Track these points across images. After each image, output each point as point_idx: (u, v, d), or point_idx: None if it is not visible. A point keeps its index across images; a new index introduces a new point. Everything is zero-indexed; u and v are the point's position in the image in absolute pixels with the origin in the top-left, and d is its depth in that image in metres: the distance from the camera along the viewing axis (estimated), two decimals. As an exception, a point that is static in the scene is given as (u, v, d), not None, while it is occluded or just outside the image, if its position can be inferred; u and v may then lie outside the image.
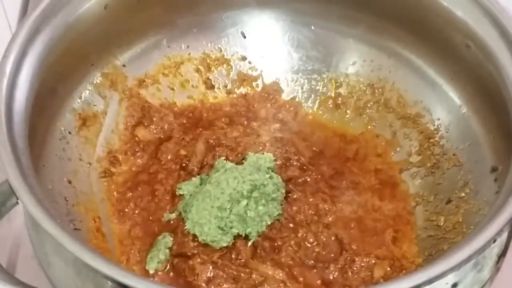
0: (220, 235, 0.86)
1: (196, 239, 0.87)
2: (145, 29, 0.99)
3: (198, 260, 0.85)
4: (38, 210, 0.65)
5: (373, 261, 0.86)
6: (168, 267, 0.87)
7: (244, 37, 1.05)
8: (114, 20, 0.92)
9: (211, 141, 0.97)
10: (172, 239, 0.89)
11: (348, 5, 0.99)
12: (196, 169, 0.95)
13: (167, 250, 0.87)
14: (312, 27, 1.04)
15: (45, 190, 0.75)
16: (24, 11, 1.14)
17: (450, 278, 0.67)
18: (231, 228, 0.86)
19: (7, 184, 0.70)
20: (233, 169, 0.89)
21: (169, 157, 0.97)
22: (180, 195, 0.92)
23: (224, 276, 0.84)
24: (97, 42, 0.93)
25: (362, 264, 0.86)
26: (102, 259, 0.62)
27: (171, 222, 0.91)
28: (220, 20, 1.03)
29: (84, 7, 0.88)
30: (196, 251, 0.87)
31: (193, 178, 0.93)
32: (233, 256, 0.87)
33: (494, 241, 0.70)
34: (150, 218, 0.92)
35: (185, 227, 0.88)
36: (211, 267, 0.84)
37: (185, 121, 1.02)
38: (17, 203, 0.73)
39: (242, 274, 0.84)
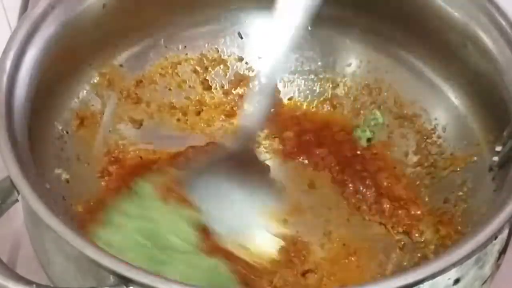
0: None
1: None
2: (142, 29, 0.98)
3: None
4: (41, 205, 0.65)
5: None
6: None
7: (241, 37, 1.05)
8: (112, 20, 0.92)
9: None
10: None
11: (345, 5, 0.99)
12: None
13: None
14: (309, 28, 1.04)
15: (43, 189, 0.74)
16: (24, 10, 1.13)
17: (453, 274, 0.67)
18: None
19: (8, 181, 0.69)
20: None
21: None
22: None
23: None
24: (95, 41, 0.92)
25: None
26: (105, 254, 0.62)
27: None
28: (217, 21, 1.03)
29: (83, 6, 0.87)
30: None
31: None
32: None
33: (496, 237, 0.70)
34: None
35: None
36: None
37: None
38: (17, 200, 0.73)
39: None
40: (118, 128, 0.98)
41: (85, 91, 0.94)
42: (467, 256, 0.66)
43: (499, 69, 0.84)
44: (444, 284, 0.67)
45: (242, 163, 0.88)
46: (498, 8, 0.85)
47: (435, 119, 0.97)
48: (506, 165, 0.78)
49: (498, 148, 0.80)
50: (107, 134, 0.96)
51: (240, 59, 1.06)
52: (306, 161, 0.99)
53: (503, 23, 0.84)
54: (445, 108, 0.96)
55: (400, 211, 0.92)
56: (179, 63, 1.03)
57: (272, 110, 0.94)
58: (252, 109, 0.85)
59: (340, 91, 1.05)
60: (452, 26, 0.89)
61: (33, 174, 0.71)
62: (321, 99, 1.05)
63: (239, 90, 1.06)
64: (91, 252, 0.62)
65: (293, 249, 0.88)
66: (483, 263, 0.70)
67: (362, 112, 1.03)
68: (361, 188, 0.95)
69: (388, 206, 0.93)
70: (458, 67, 0.92)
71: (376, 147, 1.00)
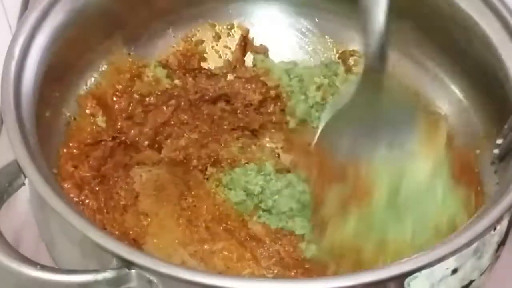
0: None
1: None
2: (151, 18, 0.99)
3: None
4: (46, 188, 0.66)
5: None
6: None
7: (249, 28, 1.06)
8: (120, 8, 0.93)
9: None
10: None
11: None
12: None
13: None
14: (316, 20, 1.05)
15: (50, 174, 0.76)
16: (24, 10, 1.14)
17: (451, 263, 0.67)
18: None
19: (15, 164, 0.71)
20: None
21: None
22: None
23: None
24: (103, 29, 0.93)
25: None
26: (108, 237, 0.63)
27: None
28: (225, 11, 1.04)
29: (92, -7, 0.89)
30: None
31: None
32: None
33: (495, 229, 0.71)
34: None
35: None
36: None
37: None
38: (23, 184, 0.74)
39: None
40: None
41: (93, 79, 0.95)
42: (465, 245, 0.67)
43: (503, 63, 0.84)
44: (442, 273, 0.67)
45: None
46: (504, 3, 0.86)
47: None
48: (507, 157, 0.79)
49: (499, 141, 0.80)
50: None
51: (248, 50, 1.06)
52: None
53: (508, 17, 0.85)
54: (448, 101, 0.96)
55: None
56: (187, 53, 1.04)
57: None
58: None
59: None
60: (457, 20, 0.90)
61: (40, 158, 0.72)
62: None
63: (245, 81, 1.06)
64: (94, 235, 0.63)
65: None
66: (481, 254, 0.71)
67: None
68: None
69: None
70: (462, 61, 0.92)
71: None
